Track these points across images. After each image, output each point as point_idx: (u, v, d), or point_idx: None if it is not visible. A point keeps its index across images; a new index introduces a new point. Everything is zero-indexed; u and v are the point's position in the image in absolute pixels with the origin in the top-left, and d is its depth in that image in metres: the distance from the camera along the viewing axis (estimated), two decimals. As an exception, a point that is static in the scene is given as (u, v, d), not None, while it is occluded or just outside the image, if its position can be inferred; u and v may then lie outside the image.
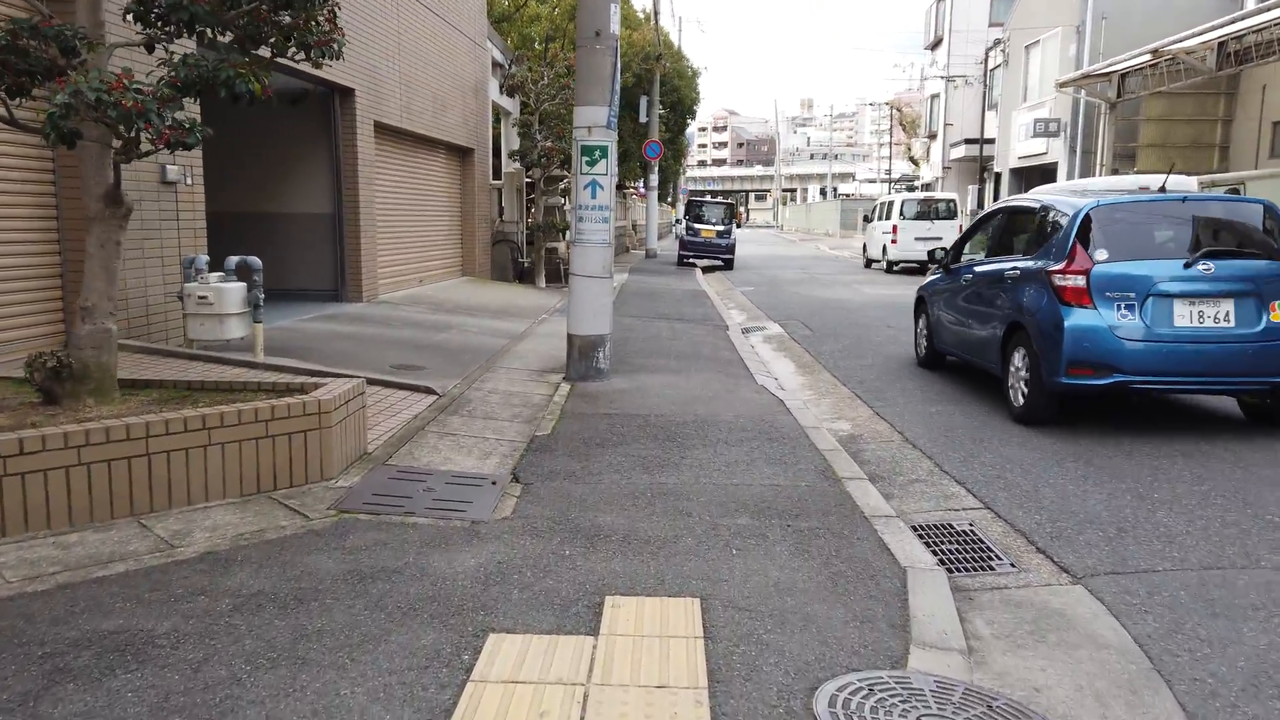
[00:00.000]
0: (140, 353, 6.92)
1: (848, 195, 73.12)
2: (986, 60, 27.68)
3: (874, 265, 26.25)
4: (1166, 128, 21.08)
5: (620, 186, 31.77)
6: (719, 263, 25.40)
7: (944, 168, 31.39)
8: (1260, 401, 6.53)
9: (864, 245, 27.20)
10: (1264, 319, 6.02)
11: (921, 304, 9.33)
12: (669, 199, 53.03)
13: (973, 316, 7.73)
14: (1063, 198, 7.23)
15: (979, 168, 28.64)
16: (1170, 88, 18.56)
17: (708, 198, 27.59)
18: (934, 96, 32.42)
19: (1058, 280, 6.28)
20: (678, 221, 47.67)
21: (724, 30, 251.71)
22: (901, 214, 23.29)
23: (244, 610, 3.04)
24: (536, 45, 22.98)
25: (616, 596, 3.24)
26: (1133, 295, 6.08)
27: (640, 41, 26.15)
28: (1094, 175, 20.39)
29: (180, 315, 7.33)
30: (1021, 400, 6.62)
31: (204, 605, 3.07)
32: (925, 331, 9.12)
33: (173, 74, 3.91)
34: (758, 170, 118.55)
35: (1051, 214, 6.89)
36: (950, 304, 8.36)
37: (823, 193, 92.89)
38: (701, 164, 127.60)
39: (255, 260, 7.21)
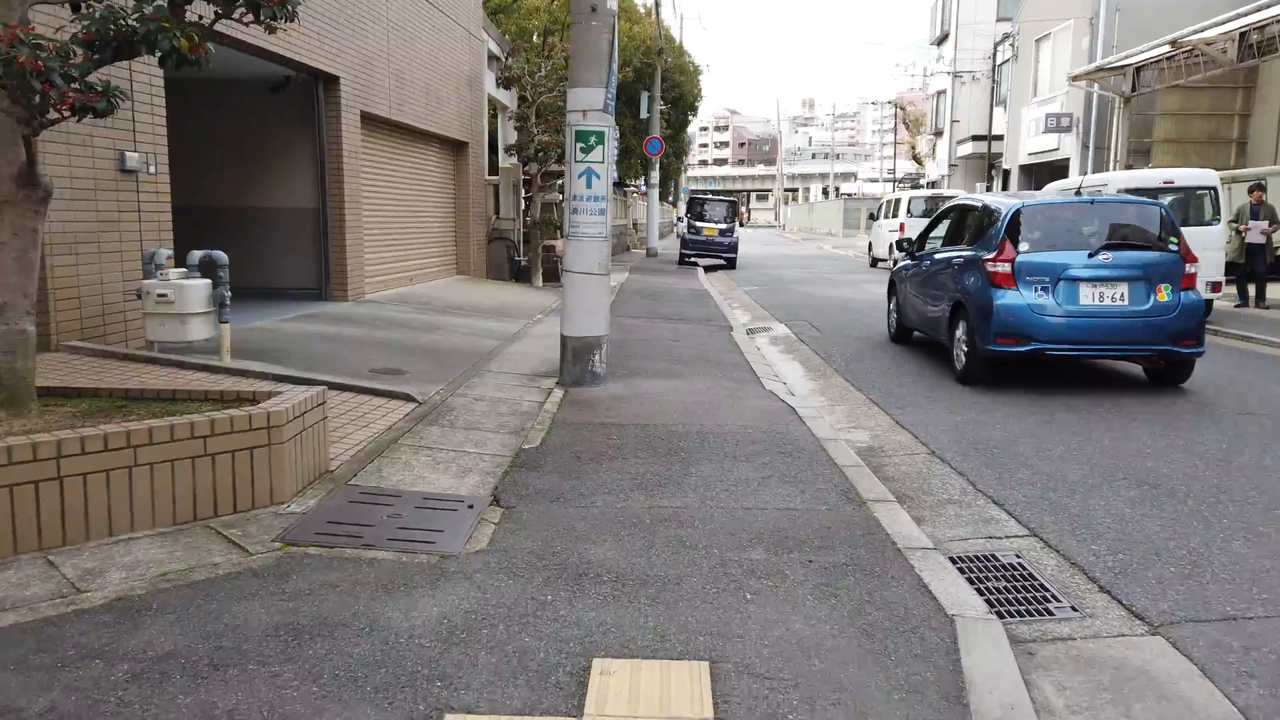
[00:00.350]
0: (93, 355, 6.34)
1: (850, 195, 72.58)
2: (995, 55, 27.08)
3: (880, 264, 25.63)
4: (1182, 123, 20.51)
5: (620, 184, 31.19)
6: (721, 262, 24.82)
7: (950, 165, 30.77)
8: (1154, 365, 7.73)
9: (869, 244, 26.59)
10: (1152, 298, 7.25)
11: (892, 286, 10.54)
12: (670, 198, 52.45)
13: (929, 297, 8.92)
14: (999, 198, 8.87)
15: (986, 165, 28.04)
16: (1188, 81, 17.96)
17: (710, 196, 27.00)
18: (940, 93, 31.78)
19: (989, 267, 7.47)
20: (679, 220, 47.19)
21: (725, 29, 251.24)
22: (909, 211, 22.67)
23: (144, 680, 2.46)
24: (535, 38, 22.41)
25: (607, 659, 2.65)
26: (1047, 279, 7.29)
27: (641, 35, 25.58)
28: (1107, 171, 19.81)
29: (141, 315, 6.75)
30: (962, 364, 7.80)
31: (96, 673, 2.49)
32: (895, 310, 10.38)
33: (84, 29, 3.33)
34: (759, 170, 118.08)
35: (990, 211, 8.11)
36: (913, 286, 9.58)
37: (825, 192, 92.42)
38: (703, 163, 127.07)
39: (221, 255, 6.63)
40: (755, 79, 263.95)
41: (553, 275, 17.26)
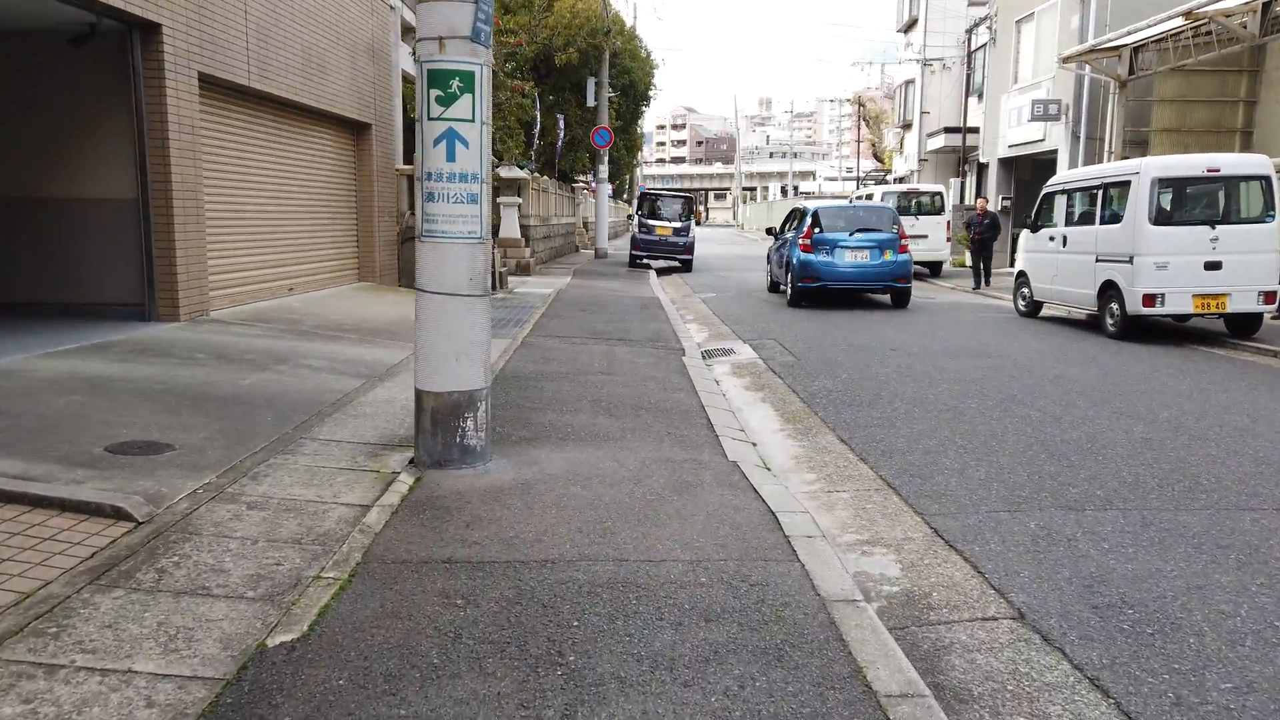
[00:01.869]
0: None
1: (809, 194, 71.04)
2: (970, 40, 25.05)
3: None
4: (1182, 110, 18.56)
5: (567, 178, 28.66)
6: (675, 264, 22.50)
7: (920, 160, 28.70)
8: (889, 294, 13.67)
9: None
10: (881, 258, 13.14)
11: (767, 259, 16.54)
12: (624, 195, 49.97)
13: (779, 261, 15.02)
14: (811, 203, 15.39)
15: (960, 158, 26.04)
16: (1196, 61, 15.99)
17: (664, 192, 24.64)
18: (908, 82, 29.68)
19: (800, 241, 13.42)
20: (631, 218, 44.83)
21: (681, 25, 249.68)
22: (882, 209, 20.50)
23: None
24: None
25: None
26: (828, 247, 13.20)
27: (586, 13, 23.09)
28: (1104, 162, 17.81)
29: None
30: (789, 296, 13.81)
31: None
32: (768, 273, 16.39)
33: None
34: (717, 168, 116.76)
35: (806, 210, 14.19)
36: (775, 256, 15.53)
37: (783, 191, 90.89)
38: (660, 161, 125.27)
39: None
40: (712, 78, 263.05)
41: (477, 281, 14.72)
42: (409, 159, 15.65)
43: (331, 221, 12.50)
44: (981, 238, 17.49)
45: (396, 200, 14.81)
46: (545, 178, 23.85)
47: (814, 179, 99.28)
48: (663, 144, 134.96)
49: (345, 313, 10.34)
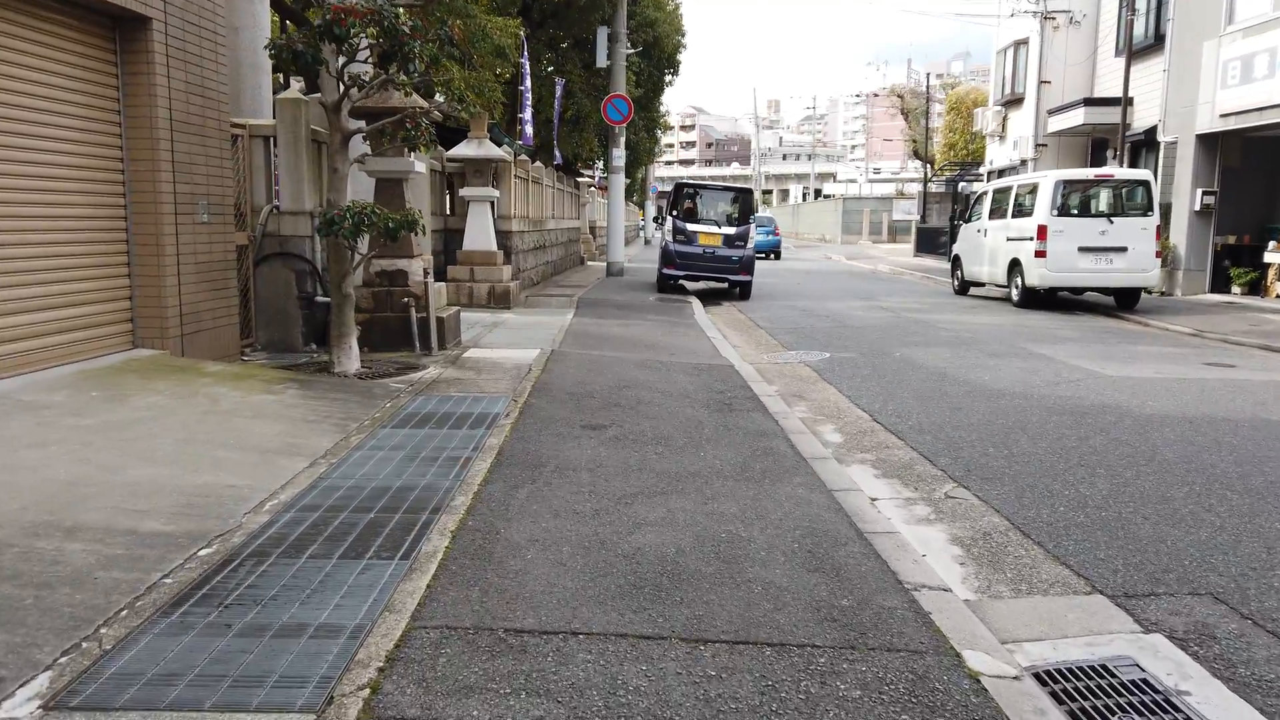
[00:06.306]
0: None
1: (847, 196, 64.33)
2: (1129, -25, 17.93)
3: (976, 290, 16.38)
4: None
5: (569, 167, 21.59)
6: (724, 285, 15.52)
7: (1037, 145, 21.66)
8: (772, 254, 30.84)
9: (954, 257, 17.26)
10: (768, 239, 29.12)
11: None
12: (634, 197, 42.71)
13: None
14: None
15: (1115, 141, 18.91)
16: None
17: (707, 184, 17.66)
18: (1019, 44, 22.61)
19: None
20: (654, 222, 37.72)
21: (690, 23, 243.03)
22: (1054, 206, 13.39)
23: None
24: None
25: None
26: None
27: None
28: None
29: None
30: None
31: None
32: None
33: None
34: (733, 170, 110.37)
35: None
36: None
37: (805, 194, 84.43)
38: (668, 163, 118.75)
39: None
40: (719, 80, 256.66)
41: (398, 338, 7.78)
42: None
43: (41, 223, 5.48)
44: None
45: (244, 182, 7.84)
46: (537, 163, 16.84)
47: (833, 180, 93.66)
48: (670, 145, 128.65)
49: None
